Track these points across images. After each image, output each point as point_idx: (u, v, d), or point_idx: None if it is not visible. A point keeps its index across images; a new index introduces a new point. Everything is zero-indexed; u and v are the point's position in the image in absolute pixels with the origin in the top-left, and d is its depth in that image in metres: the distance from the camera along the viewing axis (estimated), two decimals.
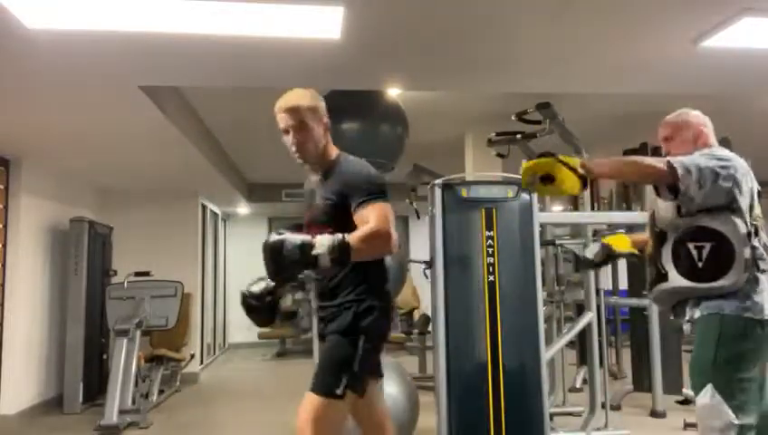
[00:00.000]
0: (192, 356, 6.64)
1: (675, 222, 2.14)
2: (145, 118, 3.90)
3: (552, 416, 3.55)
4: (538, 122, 4.61)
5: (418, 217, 6.04)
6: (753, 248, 2.05)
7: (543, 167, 2.02)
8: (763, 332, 2.03)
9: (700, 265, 2.05)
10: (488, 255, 3.35)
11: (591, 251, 2.75)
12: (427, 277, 3.68)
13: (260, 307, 2.05)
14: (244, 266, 9.66)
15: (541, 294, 3.36)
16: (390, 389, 3.48)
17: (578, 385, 5.54)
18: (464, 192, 3.46)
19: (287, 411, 5.09)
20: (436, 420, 3.38)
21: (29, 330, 5.12)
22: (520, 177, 3.09)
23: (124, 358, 4.76)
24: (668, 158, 2.06)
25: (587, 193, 4.51)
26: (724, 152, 2.16)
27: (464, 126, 5.54)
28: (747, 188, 2.10)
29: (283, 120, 2.10)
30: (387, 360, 3.78)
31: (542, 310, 3.37)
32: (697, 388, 2.07)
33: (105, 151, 4.99)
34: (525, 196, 3.38)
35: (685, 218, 2.11)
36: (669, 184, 2.02)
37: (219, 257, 8.91)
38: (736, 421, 1.96)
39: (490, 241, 3.34)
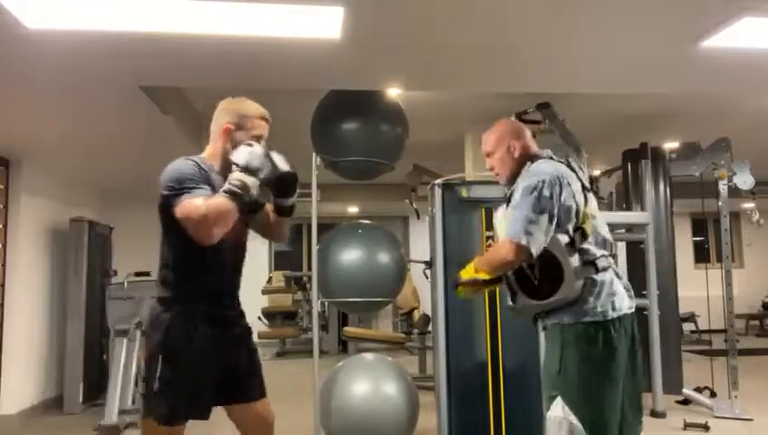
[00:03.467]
0: None
1: None
2: (145, 118, 3.90)
3: None
4: (538, 122, 4.62)
5: (418, 217, 6.05)
6: (583, 253, 2.02)
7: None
8: (608, 334, 1.97)
9: (536, 283, 2.03)
10: None
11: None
12: (427, 277, 3.69)
13: None
14: (244, 266, 9.70)
15: None
16: (390, 389, 3.48)
17: None
18: (464, 192, 3.47)
19: (287, 411, 5.12)
20: (437, 420, 3.38)
21: (29, 330, 5.12)
22: None
23: (124, 358, 4.76)
24: (512, 238, 1.99)
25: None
26: (544, 173, 2.07)
27: (464, 126, 5.53)
28: (569, 194, 2.04)
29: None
30: (387, 360, 3.79)
31: None
32: (548, 402, 2.02)
33: (105, 151, 4.99)
34: None
35: None
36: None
37: None
38: (585, 433, 1.92)
39: (490, 241, 3.34)
